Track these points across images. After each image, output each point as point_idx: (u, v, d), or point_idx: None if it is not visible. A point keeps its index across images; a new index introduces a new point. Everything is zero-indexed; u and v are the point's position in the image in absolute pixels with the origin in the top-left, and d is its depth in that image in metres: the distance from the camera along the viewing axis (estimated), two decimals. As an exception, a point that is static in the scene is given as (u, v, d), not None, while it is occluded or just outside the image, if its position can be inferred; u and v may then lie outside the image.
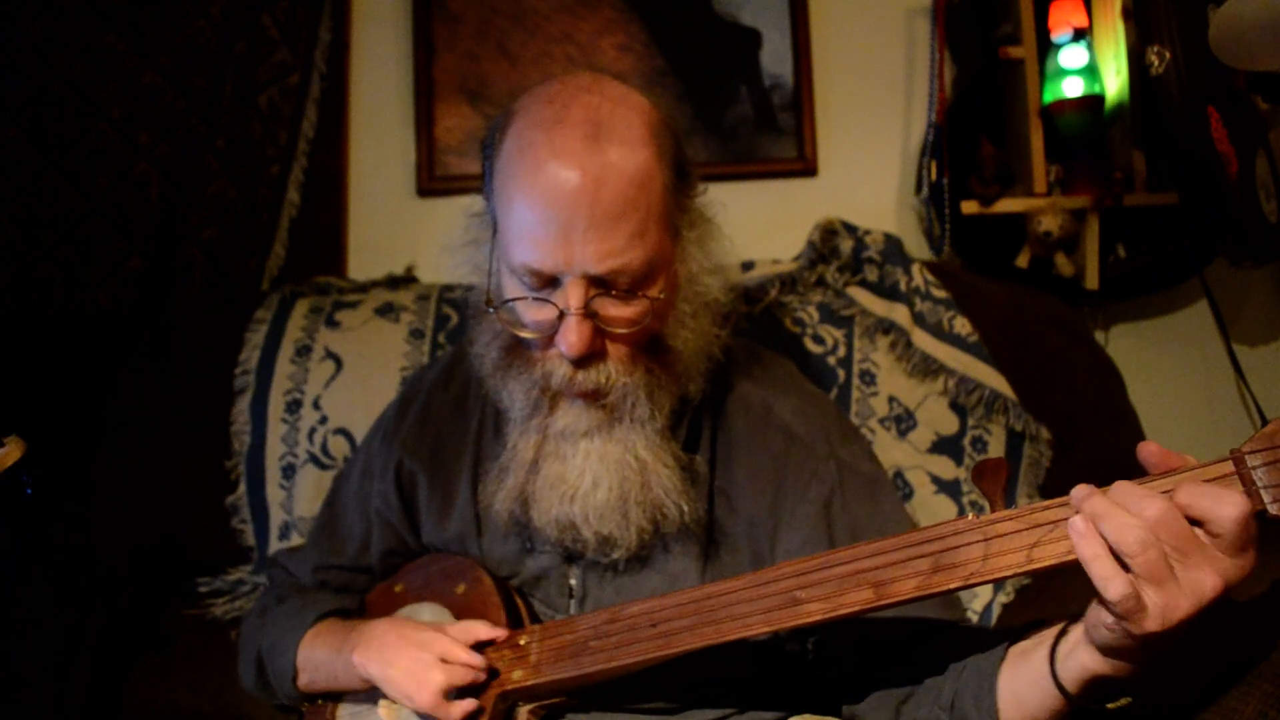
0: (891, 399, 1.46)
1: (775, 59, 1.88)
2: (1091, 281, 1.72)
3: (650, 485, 0.98)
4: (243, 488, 1.52)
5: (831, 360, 1.48)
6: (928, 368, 1.46)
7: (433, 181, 1.88)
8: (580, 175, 0.91)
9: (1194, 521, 0.69)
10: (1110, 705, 0.79)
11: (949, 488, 1.42)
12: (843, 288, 1.53)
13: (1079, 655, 0.77)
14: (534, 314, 0.97)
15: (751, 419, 1.08)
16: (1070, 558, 0.73)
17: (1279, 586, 0.88)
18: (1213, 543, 0.69)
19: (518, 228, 0.94)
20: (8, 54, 1.82)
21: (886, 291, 1.52)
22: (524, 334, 0.98)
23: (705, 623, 0.89)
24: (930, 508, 1.40)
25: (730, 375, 1.11)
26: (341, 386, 1.52)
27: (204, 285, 1.81)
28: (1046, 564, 0.75)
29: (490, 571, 1.08)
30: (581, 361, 0.95)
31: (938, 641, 0.95)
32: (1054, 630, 0.82)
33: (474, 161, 1.86)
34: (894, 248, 1.55)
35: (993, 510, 0.79)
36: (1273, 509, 0.68)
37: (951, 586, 0.78)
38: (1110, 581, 0.69)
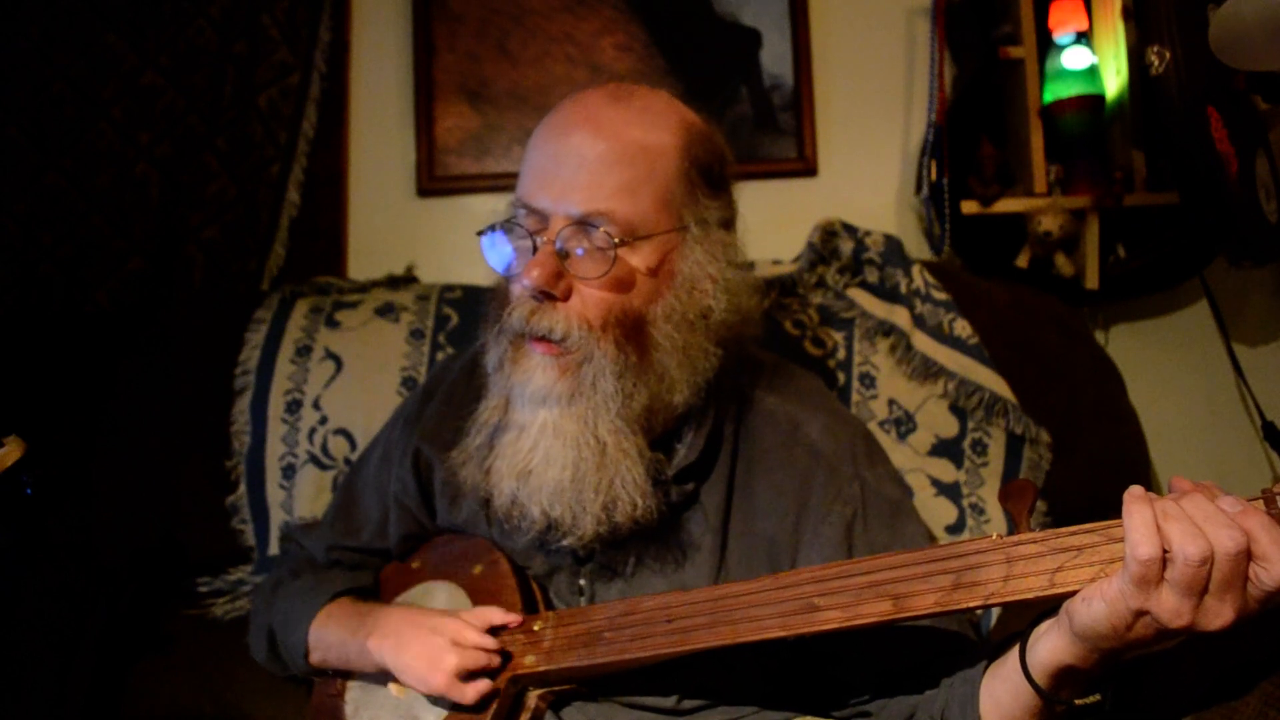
0: (891, 402, 1.46)
1: (775, 59, 1.88)
2: (1091, 281, 1.72)
3: (608, 471, 0.94)
4: (243, 488, 1.52)
5: (831, 363, 1.48)
6: (928, 370, 1.46)
7: (433, 181, 1.87)
8: (587, 122, 0.96)
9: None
10: (1079, 701, 0.79)
11: (949, 490, 1.42)
12: (843, 289, 1.52)
13: (1049, 638, 0.78)
14: (515, 251, 0.98)
15: (778, 435, 1.06)
16: None
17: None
18: (1252, 583, 0.68)
19: (525, 167, 0.98)
20: (8, 54, 1.82)
21: (887, 293, 1.52)
22: (502, 270, 1.00)
23: (721, 622, 0.88)
24: (930, 510, 1.40)
25: (757, 390, 1.09)
26: (341, 387, 1.52)
27: (204, 285, 1.81)
28: (1069, 589, 0.74)
29: (507, 555, 1.08)
30: (540, 297, 0.95)
31: (947, 655, 0.94)
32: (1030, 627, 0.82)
33: (474, 161, 1.88)
34: (894, 249, 1.55)
35: (1018, 531, 0.79)
36: None
37: (971, 605, 0.78)
38: (1141, 544, 0.68)
